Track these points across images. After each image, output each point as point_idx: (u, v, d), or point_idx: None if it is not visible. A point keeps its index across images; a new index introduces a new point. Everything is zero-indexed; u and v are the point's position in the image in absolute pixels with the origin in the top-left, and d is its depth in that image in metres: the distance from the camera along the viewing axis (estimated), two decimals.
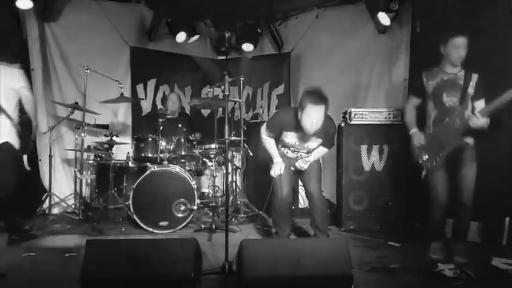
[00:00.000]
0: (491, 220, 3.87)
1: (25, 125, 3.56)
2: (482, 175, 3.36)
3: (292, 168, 3.70)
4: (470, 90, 3.29)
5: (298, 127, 3.44)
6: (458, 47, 3.27)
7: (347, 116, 4.60)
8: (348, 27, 5.90)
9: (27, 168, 3.71)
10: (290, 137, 3.61)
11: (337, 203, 4.80)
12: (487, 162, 3.48)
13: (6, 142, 3.42)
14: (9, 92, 3.49)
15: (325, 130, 3.49)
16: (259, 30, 6.50)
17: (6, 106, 3.44)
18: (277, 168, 3.61)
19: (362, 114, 4.56)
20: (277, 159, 3.67)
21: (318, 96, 3.27)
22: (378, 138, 4.48)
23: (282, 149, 3.77)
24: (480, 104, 3.26)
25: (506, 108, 3.06)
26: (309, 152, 3.69)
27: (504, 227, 3.78)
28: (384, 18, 5.21)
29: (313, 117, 3.25)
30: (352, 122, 4.54)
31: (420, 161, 3.47)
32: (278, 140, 3.73)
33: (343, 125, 4.66)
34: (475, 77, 3.30)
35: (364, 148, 4.49)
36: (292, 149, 3.71)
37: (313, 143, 3.61)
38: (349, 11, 5.92)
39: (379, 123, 4.51)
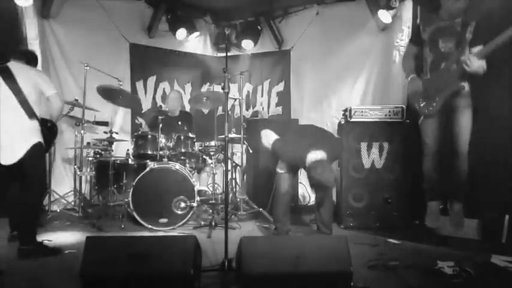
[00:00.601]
0: (490, 218, 3.86)
1: (50, 129, 3.55)
2: (482, 161, 3.34)
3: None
4: (468, 35, 3.29)
5: None
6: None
7: (347, 113, 4.59)
8: (348, 25, 5.89)
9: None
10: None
11: (337, 200, 4.79)
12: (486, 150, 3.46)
13: (40, 142, 3.40)
14: (38, 93, 3.46)
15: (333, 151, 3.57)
16: (259, 27, 6.49)
17: (35, 106, 3.42)
18: (271, 136, 3.62)
19: (362, 111, 4.55)
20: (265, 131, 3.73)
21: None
22: (378, 136, 4.47)
23: None
24: (477, 49, 3.25)
25: (503, 47, 3.06)
26: None
27: (503, 224, 3.78)
28: (384, 16, 5.20)
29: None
30: (352, 119, 4.53)
31: (417, 107, 3.48)
32: None
33: (343, 122, 4.66)
34: (473, 24, 3.30)
35: (364, 145, 4.48)
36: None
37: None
38: (349, 8, 5.91)
39: (379, 120, 4.50)
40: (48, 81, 3.57)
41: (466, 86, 3.33)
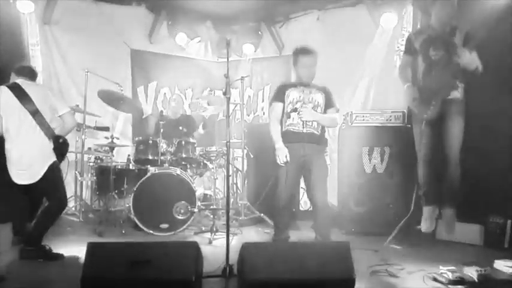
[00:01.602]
0: (493, 223, 3.85)
1: (62, 145, 3.52)
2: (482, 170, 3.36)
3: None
4: (457, 41, 3.34)
5: (299, 81, 3.77)
6: (444, 6, 3.41)
7: (348, 118, 4.59)
8: (349, 30, 5.89)
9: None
10: (293, 93, 3.73)
11: (338, 205, 4.78)
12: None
13: (56, 161, 3.44)
14: (52, 112, 3.46)
15: (322, 87, 3.80)
16: (259, 32, 6.50)
17: (51, 125, 3.44)
18: (282, 155, 3.58)
19: (363, 116, 4.55)
20: (279, 144, 3.64)
21: (307, 50, 3.71)
22: (379, 140, 4.46)
23: (288, 121, 3.69)
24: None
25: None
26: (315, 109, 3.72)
27: (506, 229, 3.78)
28: (386, 21, 5.22)
29: (306, 66, 3.67)
30: (354, 124, 4.53)
31: (416, 113, 3.56)
32: (283, 112, 3.74)
33: (344, 127, 4.65)
34: (462, 30, 3.36)
35: (365, 150, 4.47)
36: (298, 109, 3.63)
37: (318, 95, 3.73)
38: (350, 14, 5.91)
39: (380, 125, 4.50)
40: (60, 99, 3.64)
41: (459, 92, 3.37)
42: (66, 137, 3.58)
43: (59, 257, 3.36)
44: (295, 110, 3.65)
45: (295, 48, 3.81)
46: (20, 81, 3.42)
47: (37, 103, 3.35)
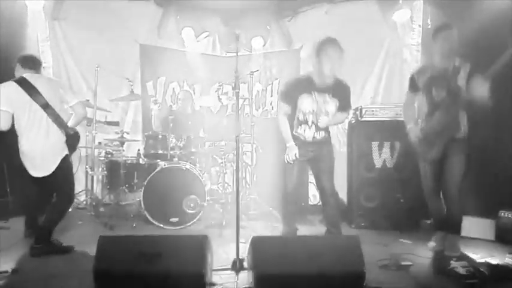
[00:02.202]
0: (505, 218, 3.82)
1: (73, 137, 3.57)
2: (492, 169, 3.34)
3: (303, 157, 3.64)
4: (461, 81, 3.27)
5: (313, 85, 3.53)
6: (444, 40, 3.32)
7: (358, 112, 4.56)
8: (358, 23, 5.83)
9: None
10: (307, 102, 3.57)
11: (348, 200, 4.77)
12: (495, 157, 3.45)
13: (67, 154, 3.49)
14: (61, 103, 3.48)
15: (340, 88, 3.58)
16: (268, 27, 6.48)
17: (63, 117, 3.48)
18: (292, 153, 3.56)
19: (373, 110, 4.52)
20: (290, 143, 3.61)
21: (333, 42, 3.45)
22: (389, 135, 4.44)
23: (299, 129, 3.66)
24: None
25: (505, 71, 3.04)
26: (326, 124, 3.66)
27: None
28: (396, 15, 5.17)
29: (331, 57, 3.38)
30: (363, 119, 4.51)
31: (422, 155, 3.56)
32: (294, 117, 3.66)
33: (354, 121, 4.63)
34: (466, 67, 3.27)
35: (375, 145, 4.45)
36: (310, 121, 3.61)
37: (331, 105, 3.59)
38: (359, 7, 5.86)
39: (390, 119, 4.47)
40: (68, 91, 3.63)
41: (462, 132, 3.36)
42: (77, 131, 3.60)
43: (69, 249, 3.41)
44: (307, 122, 3.61)
45: (321, 39, 3.53)
46: (27, 75, 3.42)
47: (46, 96, 3.36)
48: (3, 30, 4.69)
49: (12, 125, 3.34)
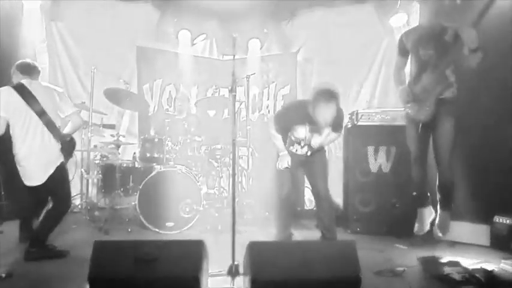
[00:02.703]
0: (499, 223, 3.83)
1: (69, 143, 3.55)
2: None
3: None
4: (448, 38, 3.28)
5: (308, 118, 3.52)
6: (434, 4, 3.36)
7: (354, 117, 4.57)
8: (355, 27, 5.87)
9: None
10: (300, 131, 3.63)
11: (344, 204, 4.77)
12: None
13: (63, 162, 3.47)
14: (56, 112, 3.46)
15: (336, 119, 3.57)
16: (265, 30, 6.49)
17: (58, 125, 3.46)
18: (284, 161, 3.60)
19: (369, 115, 4.53)
20: (283, 152, 3.66)
21: (330, 95, 3.39)
22: (385, 140, 4.44)
23: (291, 147, 3.75)
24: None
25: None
26: (319, 145, 3.69)
27: None
28: (396, 20, 5.20)
29: (326, 113, 3.39)
30: (359, 123, 4.51)
31: (413, 115, 3.53)
32: (286, 136, 3.72)
33: (350, 126, 4.64)
34: (453, 27, 3.27)
35: (371, 149, 4.46)
36: (302, 143, 3.70)
37: (324, 132, 3.65)
38: (355, 11, 5.90)
39: (386, 124, 4.48)
40: (66, 100, 3.54)
41: (451, 92, 3.35)
42: (74, 135, 3.59)
43: (64, 254, 3.39)
44: (299, 143, 3.70)
45: (317, 88, 3.53)
46: (25, 81, 3.41)
47: (43, 103, 3.34)
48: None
49: (8, 130, 3.32)
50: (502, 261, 3.22)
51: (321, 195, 3.69)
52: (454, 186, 3.47)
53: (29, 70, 3.51)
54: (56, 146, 3.41)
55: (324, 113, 3.41)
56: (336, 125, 3.66)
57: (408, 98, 3.51)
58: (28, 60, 3.68)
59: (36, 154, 3.31)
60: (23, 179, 3.35)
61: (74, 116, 3.54)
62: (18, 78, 3.47)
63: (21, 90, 3.33)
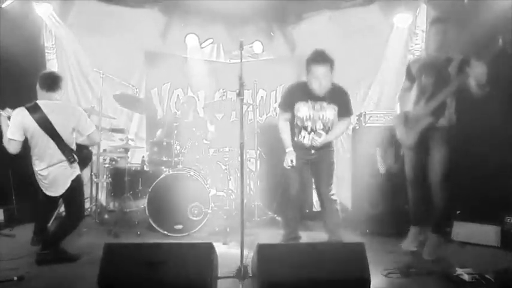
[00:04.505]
0: (509, 224, 3.80)
1: (86, 155, 3.70)
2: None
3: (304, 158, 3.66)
4: (451, 70, 3.32)
5: (309, 93, 3.51)
6: (437, 33, 3.39)
7: (362, 118, 4.57)
8: (361, 29, 5.86)
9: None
10: (303, 109, 3.57)
11: (353, 206, 4.76)
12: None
13: (79, 175, 3.55)
14: (73, 131, 3.48)
15: (337, 94, 3.55)
16: (271, 33, 6.51)
17: (73, 145, 3.51)
18: (289, 159, 3.55)
19: (377, 116, 4.52)
20: (289, 149, 3.61)
21: (321, 56, 3.38)
22: (393, 141, 4.40)
23: (299, 136, 3.66)
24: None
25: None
26: (327, 128, 3.62)
27: None
28: (399, 20, 5.18)
29: (319, 77, 3.37)
30: (367, 125, 4.50)
31: (400, 140, 3.65)
32: (293, 123, 3.67)
33: (357, 127, 4.63)
34: (458, 58, 3.32)
35: (379, 151, 4.44)
36: (308, 127, 3.61)
37: (329, 111, 3.56)
38: (362, 13, 5.87)
39: (394, 125, 4.45)
40: (85, 120, 3.52)
41: (445, 119, 3.36)
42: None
43: (76, 257, 3.43)
44: (305, 128, 3.62)
45: (309, 54, 3.49)
46: (40, 102, 3.39)
47: (57, 125, 3.35)
48: (9, 35, 4.73)
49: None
50: None
51: (324, 198, 3.66)
52: (445, 212, 3.49)
53: (49, 83, 3.46)
54: (69, 164, 3.45)
55: (318, 78, 3.36)
56: (342, 107, 3.59)
57: (399, 122, 3.61)
58: (48, 71, 3.74)
59: (53, 171, 3.39)
60: (43, 190, 3.44)
61: (94, 134, 3.58)
62: (39, 92, 3.50)
63: (35, 111, 3.33)
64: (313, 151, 3.66)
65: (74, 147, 3.48)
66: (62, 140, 3.37)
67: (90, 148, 3.81)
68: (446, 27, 3.38)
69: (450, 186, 3.36)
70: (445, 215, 3.50)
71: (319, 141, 3.57)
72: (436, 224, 3.48)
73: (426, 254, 3.40)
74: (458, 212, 4.03)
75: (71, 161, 3.42)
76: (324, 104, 3.55)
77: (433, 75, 3.39)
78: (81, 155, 3.56)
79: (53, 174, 3.39)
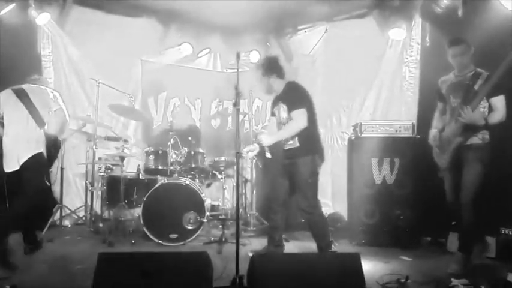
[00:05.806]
0: (505, 235, 3.81)
1: (53, 143, 3.70)
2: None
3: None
4: (478, 87, 3.32)
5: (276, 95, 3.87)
6: (455, 55, 3.43)
7: (357, 128, 4.58)
8: (357, 41, 5.91)
9: (47, 183, 3.81)
10: (277, 112, 3.83)
11: (348, 216, 4.76)
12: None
13: (42, 152, 3.54)
14: (46, 111, 3.63)
15: (287, 89, 3.75)
16: (268, 44, 6.55)
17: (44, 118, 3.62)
18: (247, 148, 3.75)
19: (373, 127, 4.54)
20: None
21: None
22: (388, 151, 4.44)
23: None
24: (498, 100, 3.26)
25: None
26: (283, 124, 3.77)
27: None
28: (395, 33, 5.23)
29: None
30: (363, 135, 4.52)
31: (436, 159, 3.59)
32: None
33: (353, 137, 4.65)
34: (484, 76, 3.32)
35: (375, 161, 4.45)
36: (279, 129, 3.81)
37: (281, 109, 3.74)
38: (358, 25, 5.93)
39: (390, 135, 4.49)
40: (55, 98, 3.74)
41: (479, 138, 3.34)
42: (79, 148, 3.69)
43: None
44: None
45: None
46: (26, 86, 3.69)
47: (33, 99, 3.57)
48: (5, 43, 4.74)
49: None
50: (509, 273, 3.18)
51: (301, 209, 3.65)
52: (473, 231, 3.44)
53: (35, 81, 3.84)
54: (36, 134, 3.52)
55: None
56: (289, 105, 3.64)
57: (435, 143, 3.59)
58: (38, 77, 4.03)
59: (16, 139, 3.46)
60: (4, 168, 3.46)
61: (59, 111, 3.69)
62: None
63: (17, 89, 3.62)
64: (286, 156, 3.70)
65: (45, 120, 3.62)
66: (34, 107, 3.58)
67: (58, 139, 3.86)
68: (462, 48, 3.40)
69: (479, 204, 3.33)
70: (472, 233, 3.45)
71: (263, 142, 3.59)
72: (463, 241, 3.44)
73: (452, 268, 3.33)
74: (453, 223, 4.01)
75: (40, 126, 3.55)
76: (281, 104, 3.73)
77: (460, 94, 3.39)
78: (50, 141, 3.65)
79: (16, 141, 3.48)
